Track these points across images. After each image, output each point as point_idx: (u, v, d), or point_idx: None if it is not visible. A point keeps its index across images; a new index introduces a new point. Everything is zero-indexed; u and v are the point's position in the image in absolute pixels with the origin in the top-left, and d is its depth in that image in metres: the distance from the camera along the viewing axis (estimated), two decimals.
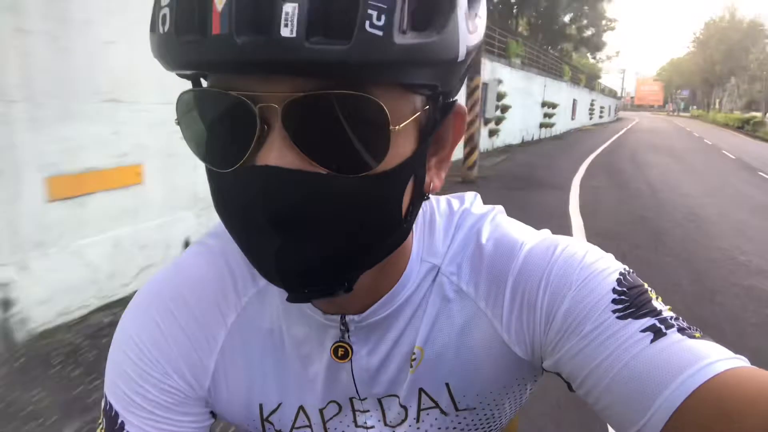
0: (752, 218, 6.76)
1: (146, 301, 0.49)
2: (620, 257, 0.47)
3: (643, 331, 0.40)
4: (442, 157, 0.44)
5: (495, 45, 14.20)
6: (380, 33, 0.30)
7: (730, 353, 0.39)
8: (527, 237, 0.49)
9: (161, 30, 0.33)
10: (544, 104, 19.20)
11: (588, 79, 33.13)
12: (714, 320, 3.42)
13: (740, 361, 0.38)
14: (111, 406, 0.47)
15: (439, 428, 0.53)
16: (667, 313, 0.42)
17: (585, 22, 35.67)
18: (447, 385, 0.50)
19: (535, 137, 18.72)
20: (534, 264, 0.47)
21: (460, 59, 0.35)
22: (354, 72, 0.31)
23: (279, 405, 0.52)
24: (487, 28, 0.46)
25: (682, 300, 3.72)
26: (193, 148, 0.38)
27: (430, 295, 0.49)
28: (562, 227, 5.49)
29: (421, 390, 0.51)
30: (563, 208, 6.73)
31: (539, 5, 28.89)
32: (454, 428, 0.53)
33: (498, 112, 13.32)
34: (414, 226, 0.48)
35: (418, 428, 0.53)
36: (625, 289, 0.43)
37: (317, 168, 0.34)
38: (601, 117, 37.76)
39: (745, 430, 0.33)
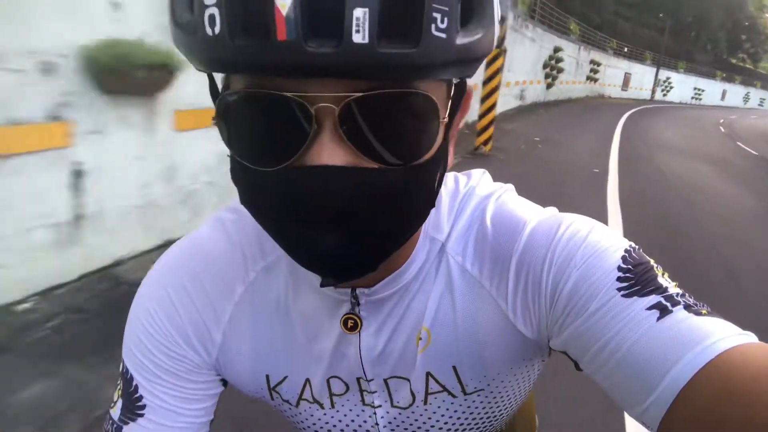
0: None
1: (161, 274, 0.52)
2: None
3: (649, 309, 0.40)
4: (453, 134, 0.44)
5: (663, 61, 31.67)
6: (444, 35, 0.31)
7: (738, 330, 0.38)
8: (531, 215, 0.49)
9: (209, 31, 0.32)
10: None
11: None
12: None
13: (747, 338, 0.38)
14: (127, 369, 0.51)
15: (447, 410, 0.54)
16: (673, 289, 0.42)
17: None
18: (454, 368, 0.51)
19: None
20: (538, 242, 0.47)
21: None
22: (418, 73, 0.32)
23: (285, 377, 0.53)
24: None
25: None
26: (232, 146, 0.38)
27: (436, 274, 0.50)
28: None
29: (428, 374, 0.51)
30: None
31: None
32: (464, 411, 0.54)
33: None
34: None
35: (425, 410, 0.54)
36: (630, 266, 0.43)
37: (368, 163, 0.35)
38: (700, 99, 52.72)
39: (753, 408, 0.33)
